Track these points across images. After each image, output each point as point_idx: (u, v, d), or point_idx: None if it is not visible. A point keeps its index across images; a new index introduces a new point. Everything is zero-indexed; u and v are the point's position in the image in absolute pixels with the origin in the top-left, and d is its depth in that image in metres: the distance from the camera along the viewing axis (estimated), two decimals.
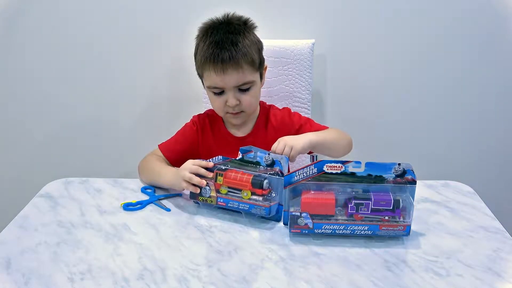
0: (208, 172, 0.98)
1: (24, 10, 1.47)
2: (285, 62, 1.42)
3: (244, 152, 0.99)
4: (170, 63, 1.55)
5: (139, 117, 1.63)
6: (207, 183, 0.98)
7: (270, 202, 0.94)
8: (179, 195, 1.07)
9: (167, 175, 1.08)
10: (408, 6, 1.46)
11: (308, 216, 0.88)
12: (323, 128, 1.21)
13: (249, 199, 0.95)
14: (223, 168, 0.98)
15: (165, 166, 1.13)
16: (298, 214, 0.88)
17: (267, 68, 1.26)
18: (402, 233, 0.89)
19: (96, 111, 1.62)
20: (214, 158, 1.01)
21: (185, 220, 0.98)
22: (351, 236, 0.90)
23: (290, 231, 0.90)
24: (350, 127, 1.62)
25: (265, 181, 0.94)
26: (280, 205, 0.96)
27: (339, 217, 0.89)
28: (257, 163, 0.98)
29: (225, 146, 1.21)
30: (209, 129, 1.23)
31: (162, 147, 1.21)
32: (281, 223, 0.96)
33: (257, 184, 0.94)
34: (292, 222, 0.89)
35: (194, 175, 0.98)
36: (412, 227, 0.90)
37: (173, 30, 1.50)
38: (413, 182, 0.88)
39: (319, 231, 0.89)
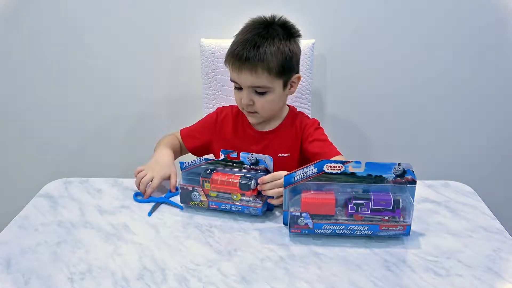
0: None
1: (24, 10, 1.47)
2: None
3: (226, 153, 0.98)
4: (170, 63, 1.55)
5: (139, 117, 1.63)
6: (195, 188, 0.98)
7: (261, 200, 0.95)
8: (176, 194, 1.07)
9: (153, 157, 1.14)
10: (408, 6, 1.46)
11: (308, 216, 0.88)
12: (336, 153, 1.13)
13: (240, 200, 0.96)
14: (208, 172, 0.98)
15: (159, 150, 1.15)
16: (298, 214, 0.88)
17: None
18: (402, 233, 0.89)
19: (96, 111, 1.62)
20: (196, 159, 0.99)
21: (185, 220, 0.97)
22: (351, 236, 0.90)
23: (290, 231, 0.90)
24: (349, 127, 1.63)
25: (252, 182, 0.95)
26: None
27: (339, 217, 0.89)
28: (241, 163, 0.98)
29: (243, 139, 1.21)
30: (231, 121, 1.23)
31: (182, 132, 1.24)
32: (281, 223, 0.96)
33: (245, 187, 0.95)
34: (292, 222, 0.89)
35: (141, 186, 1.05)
36: (412, 227, 0.90)
37: (173, 30, 1.50)
38: (413, 182, 0.88)
39: (319, 231, 0.89)
